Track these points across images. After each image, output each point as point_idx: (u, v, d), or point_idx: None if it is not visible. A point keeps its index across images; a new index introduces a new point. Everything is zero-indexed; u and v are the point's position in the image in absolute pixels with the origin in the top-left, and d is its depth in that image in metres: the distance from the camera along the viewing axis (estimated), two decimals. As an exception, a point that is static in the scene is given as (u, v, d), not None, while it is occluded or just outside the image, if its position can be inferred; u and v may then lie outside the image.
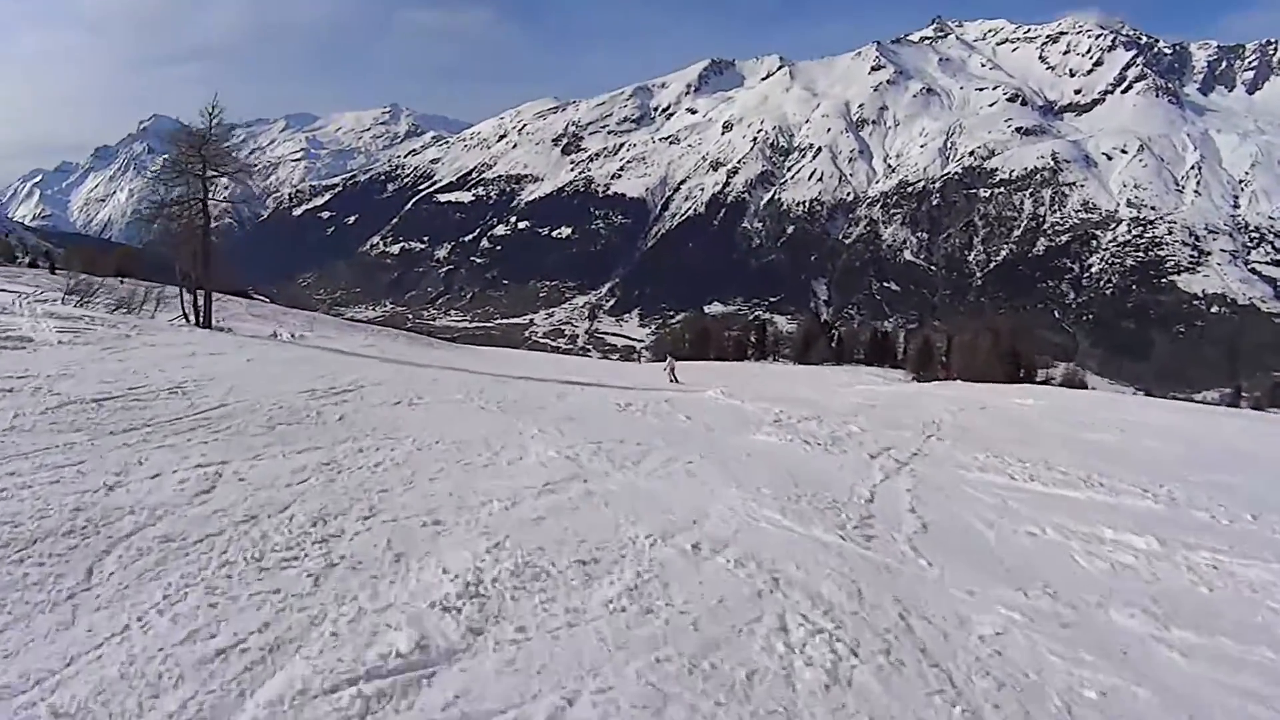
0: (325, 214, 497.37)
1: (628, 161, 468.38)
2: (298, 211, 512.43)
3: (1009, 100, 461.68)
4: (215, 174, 42.73)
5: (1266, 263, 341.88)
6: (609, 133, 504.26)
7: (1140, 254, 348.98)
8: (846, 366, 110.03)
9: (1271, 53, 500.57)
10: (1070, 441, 23.61)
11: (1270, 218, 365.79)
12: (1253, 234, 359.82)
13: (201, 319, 39.01)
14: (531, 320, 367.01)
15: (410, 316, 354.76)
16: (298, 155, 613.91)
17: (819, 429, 22.31)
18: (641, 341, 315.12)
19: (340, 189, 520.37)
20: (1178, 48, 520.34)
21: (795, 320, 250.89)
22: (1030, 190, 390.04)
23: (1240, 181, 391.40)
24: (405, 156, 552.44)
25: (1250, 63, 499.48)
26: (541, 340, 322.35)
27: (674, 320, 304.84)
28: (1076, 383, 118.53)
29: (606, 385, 33.32)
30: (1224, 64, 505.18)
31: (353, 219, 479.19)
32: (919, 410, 30.44)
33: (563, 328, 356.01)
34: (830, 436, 21.08)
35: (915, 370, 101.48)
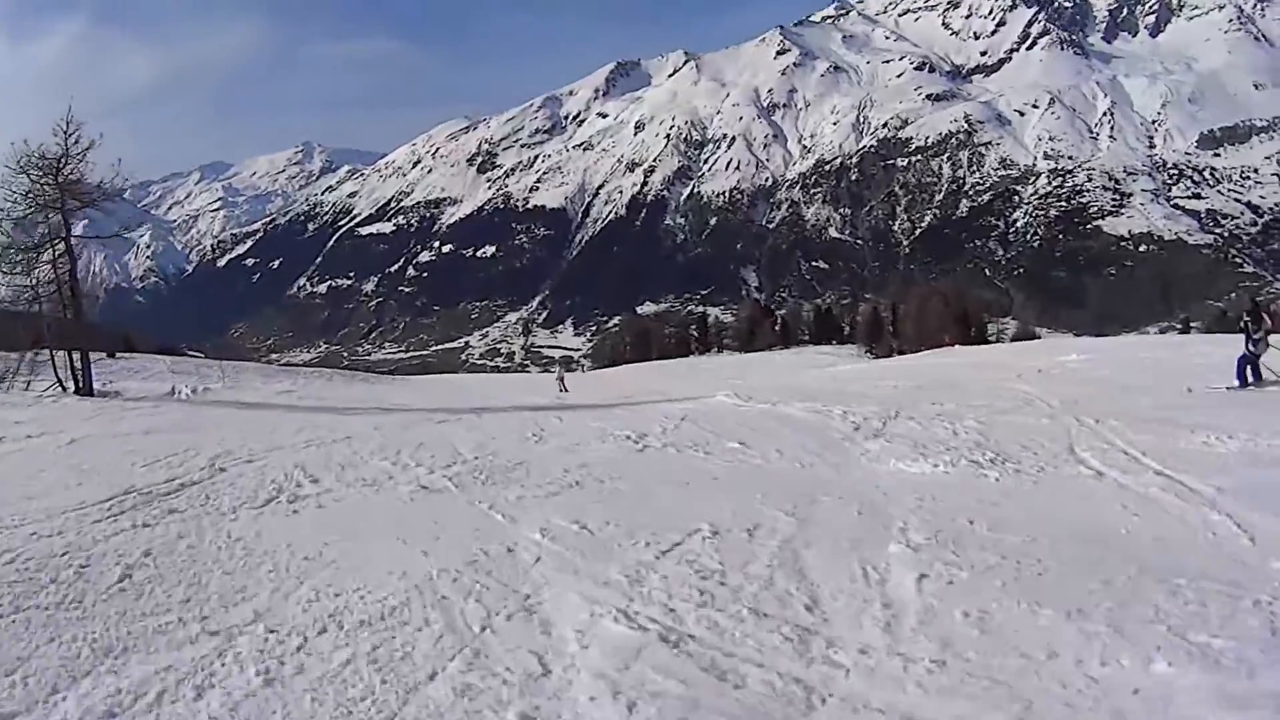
0: (249, 261, 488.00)
1: (544, 173, 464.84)
2: (222, 262, 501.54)
3: (917, 69, 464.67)
4: (77, 205, 33.22)
5: (1188, 197, 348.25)
6: (522, 146, 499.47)
7: (1063, 203, 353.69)
8: (794, 348, 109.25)
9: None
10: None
11: (1186, 154, 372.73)
12: (1171, 171, 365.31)
13: (80, 383, 31.49)
14: (466, 343, 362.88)
15: (345, 355, 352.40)
16: (216, 205, 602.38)
17: (967, 435, 15.98)
18: (579, 350, 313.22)
19: (261, 234, 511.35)
20: (1077, 0, 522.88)
21: (729, 311, 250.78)
22: (947, 154, 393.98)
23: (1153, 122, 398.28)
24: (322, 194, 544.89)
25: (1151, 7, 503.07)
26: (479, 361, 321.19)
27: (608, 325, 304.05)
28: (1028, 335, 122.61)
29: (586, 406, 28.44)
30: (1125, 11, 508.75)
31: (277, 263, 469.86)
32: (986, 385, 25.82)
33: (499, 346, 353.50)
34: (1007, 450, 14.29)
35: (867, 343, 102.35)
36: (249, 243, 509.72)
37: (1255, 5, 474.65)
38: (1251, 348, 20.51)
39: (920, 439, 15.78)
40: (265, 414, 25.08)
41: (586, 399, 32.61)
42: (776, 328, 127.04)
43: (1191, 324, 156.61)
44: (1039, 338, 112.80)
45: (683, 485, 12.93)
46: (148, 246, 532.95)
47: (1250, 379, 20.39)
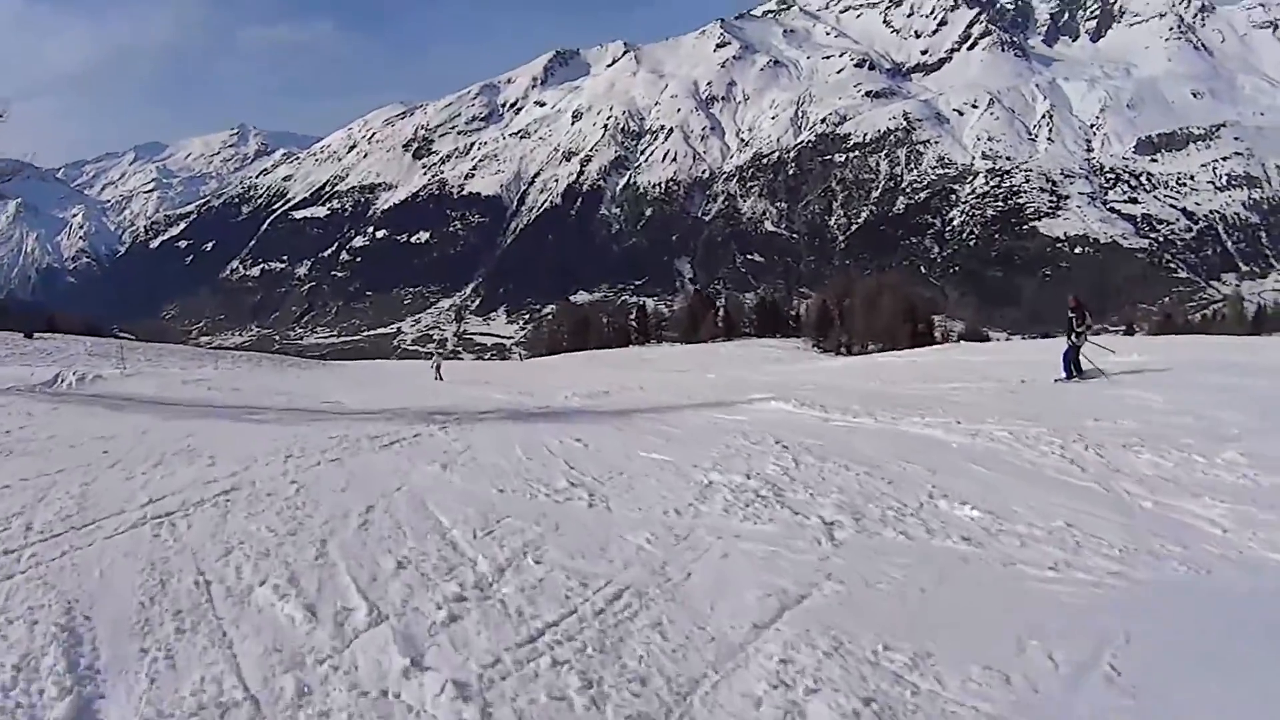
0: (182, 243, 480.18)
1: (480, 160, 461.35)
2: (155, 244, 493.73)
3: (857, 66, 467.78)
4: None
5: (1124, 201, 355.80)
6: (459, 133, 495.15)
7: (1000, 203, 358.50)
8: (738, 340, 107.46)
9: (1112, 2, 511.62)
10: None
11: (1124, 158, 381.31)
12: (1108, 175, 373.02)
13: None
14: (399, 329, 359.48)
15: (278, 338, 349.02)
16: (150, 186, 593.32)
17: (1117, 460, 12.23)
18: (511, 338, 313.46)
19: (195, 216, 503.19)
20: (1020, 2, 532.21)
21: (664, 302, 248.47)
22: (885, 151, 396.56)
23: (1091, 126, 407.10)
24: (257, 177, 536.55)
25: (1092, 12, 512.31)
26: (411, 348, 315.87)
27: (542, 313, 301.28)
28: (980, 335, 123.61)
29: (605, 412, 20.97)
30: (1066, 15, 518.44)
31: (210, 245, 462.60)
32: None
33: (431, 333, 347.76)
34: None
35: (815, 337, 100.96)
36: (183, 224, 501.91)
37: (1195, 15, 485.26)
38: (1074, 339, 22.38)
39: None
40: (144, 419, 18.19)
41: (603, 404, 24.12)
42: (719, 319, 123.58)
43: (1135, 325, 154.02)
44: (988, 338, 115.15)
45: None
46: (80, 227, 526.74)
47: (1074, 371, 22.08)
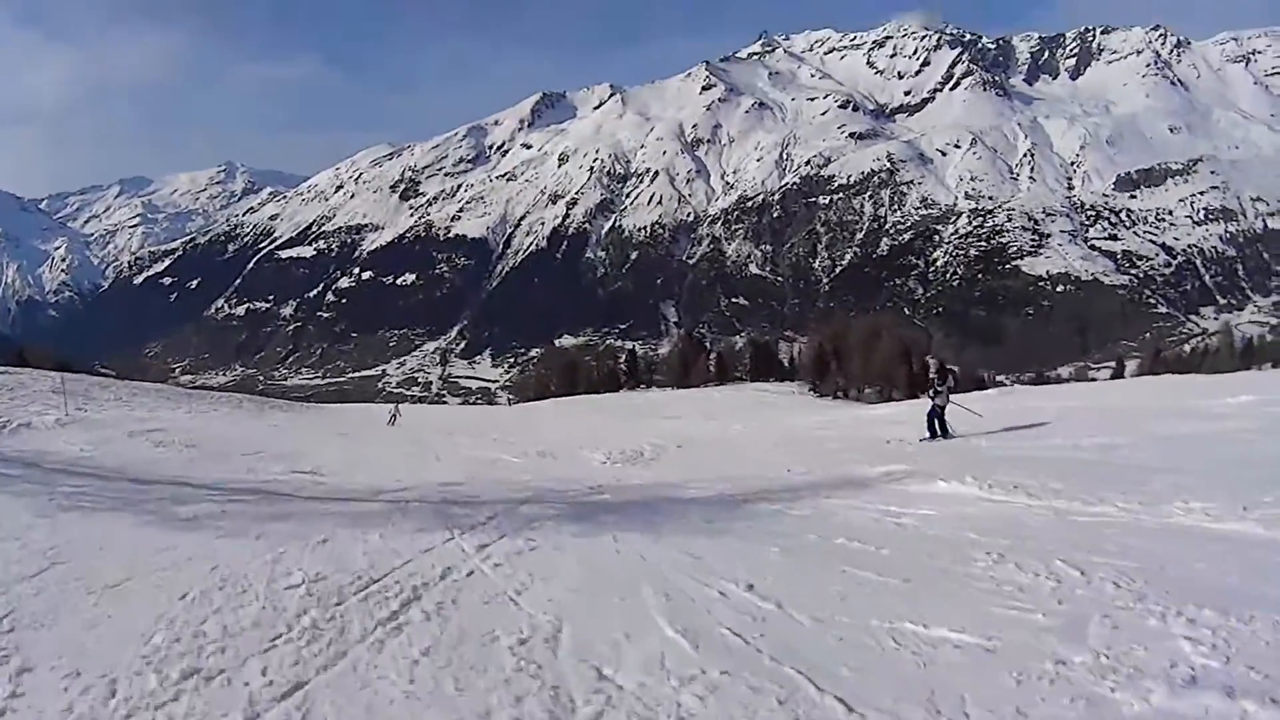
0: (167, 279, 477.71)
1: (467, 202, 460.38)
2: (139, 279, 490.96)
3: (840, 107, 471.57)
4: None
5: (1104, 238, 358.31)
6: (446, 175, 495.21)
7: (983, 243, 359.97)
8: (731, 385, 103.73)
9: (1091, 40, 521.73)
10: None
11: (1104, 195, 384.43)
12: (1089, 212, 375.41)
13: None
14: (384, 371, 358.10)
15: (262, 379, 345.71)
16: (134, 221, 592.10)
17: None
18: (496, 382, 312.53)
19: (180, 253, 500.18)
20: (1001, 42, 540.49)
21: (648, 345, 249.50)
22: (869, 193, 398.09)
23: (1072, 163, 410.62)
24: (244, 215, 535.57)
25: (1071, 50, 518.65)
26: (396, 390, 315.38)
27: (526, 357, 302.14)
28: (978, 377, 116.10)
29: (639, 508, 15.07)
30: (1046, 54, 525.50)
31: (195, 283, 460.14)
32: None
33: (415, 375, 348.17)
34: None
35: (811, 380, 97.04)
36: (167, 261, 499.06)
37: (1171, 51, 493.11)
38: (937, 401, 22.51)
39: None
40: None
41: (667, 477, 19.28)
42: (710, 363, 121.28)
43: (1125, 361, 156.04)
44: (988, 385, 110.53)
45: None
46: (63, 260, 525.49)
47: (938, 432, 22.27)
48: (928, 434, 22.01)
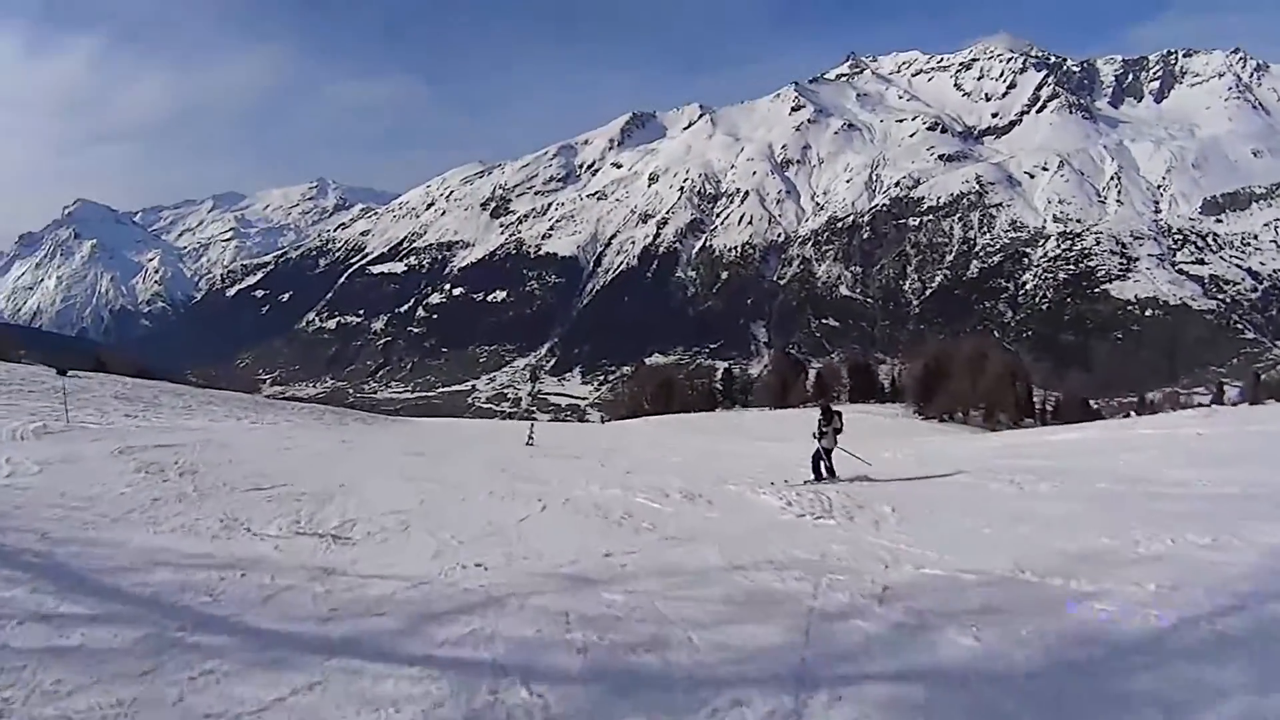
0: (259, 293, 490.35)
1: (557, 220, 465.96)
2: (231, 292, 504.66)
3: (929, 129, 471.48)
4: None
5: (1192, 262, 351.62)
6: (536, 193, 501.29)
7: (1071, 266, 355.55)
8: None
9: (1174, 62, 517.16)
10: None
11: (1190, 219, 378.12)
12: (1176, 236, 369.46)
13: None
14: (474, 386, 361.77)
15: (352, 391, 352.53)
16: (228, 235, 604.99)
17: None
18: (585, 399, 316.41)
19: (272, 267, 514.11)
20: (1085, 64, 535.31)
21: (738, 365, 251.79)
22: (959, 215, 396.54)
23: (1158, 187, 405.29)
24: (335, 230, 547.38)
25: (1155, 73, 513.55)
26: (485, 405, 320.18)
27: (615, 375, 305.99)
28: (1079, 401, 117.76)
29: None
30: (1130, 76, 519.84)
31: (287, 296, 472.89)
32: None
33: (505, 391, 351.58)
34: None
35: (917, 402, 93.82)
36: (259, 274, 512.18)
37: (1252, 74, 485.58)
38: (823, 443, 21.73)
39: None
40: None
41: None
42: (807, 384, 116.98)
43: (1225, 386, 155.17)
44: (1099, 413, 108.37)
45: None
46: (156, 271, 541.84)
47: (824, 474, 21.45)
48: (812, 476, 21.44)
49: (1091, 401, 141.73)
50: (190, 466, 18.25)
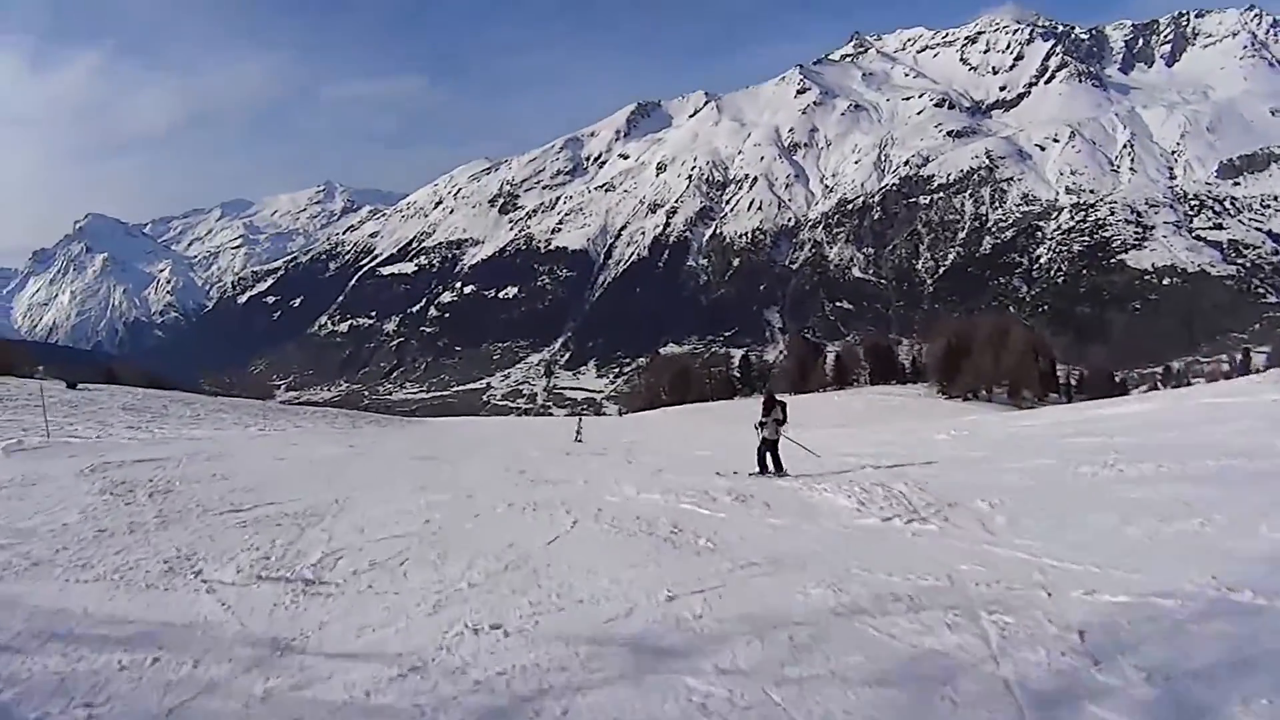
0: (270, 298, 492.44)
1: (566, 214, 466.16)
2: (242, 299, 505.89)
3: (936, 106, 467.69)
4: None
5: (1209, 228, 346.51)
6: (544, 187, 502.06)
7: (1086, 238, 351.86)
8: (849, 389, 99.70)
9: (1185, 24, 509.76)
10: None
11: (1207, 184, 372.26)
12: (1192, 202, 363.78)
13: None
14: (488, 384, 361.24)
15: (366, 393, 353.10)
16: (237, 242, 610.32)
17: None
18: (601, 392, 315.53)
19: (282, 272, 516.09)
20: (1094, 31, 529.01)
21: (753, 351, 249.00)
22: (969, 191, 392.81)
23: (1173, 153, 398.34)
24: (344, 233, 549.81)
25: (1166, 37, 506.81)
26: (501, 402, 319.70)
27: (631, 367, 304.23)
28: (1104, 375, 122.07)
29: None
30: (1140, 41, 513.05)
31: (298, 301, 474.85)
32: None
33: (520, 388, 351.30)
34: None
35: (939, 381, 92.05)
36: (270, 280, 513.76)
37: (1268, 31, 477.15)
38: (765, 434, 20.72)
39: None
40: None
41: None
42: (826, 367, 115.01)
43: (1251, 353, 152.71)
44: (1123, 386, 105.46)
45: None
46: (168, 281, 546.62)
47: (770, 466, 20.41)
48: (757, 468, 20.48)
49: (1114, 374, 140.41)
50: (165, 485, 16.68)
